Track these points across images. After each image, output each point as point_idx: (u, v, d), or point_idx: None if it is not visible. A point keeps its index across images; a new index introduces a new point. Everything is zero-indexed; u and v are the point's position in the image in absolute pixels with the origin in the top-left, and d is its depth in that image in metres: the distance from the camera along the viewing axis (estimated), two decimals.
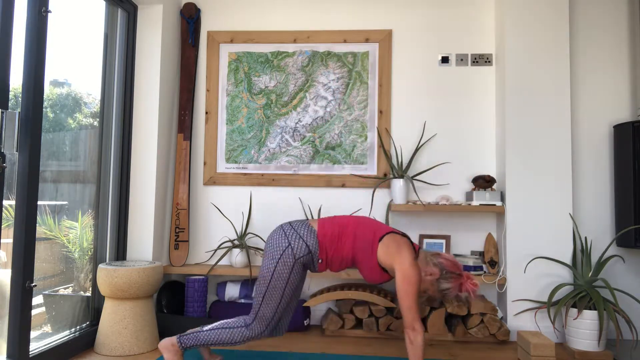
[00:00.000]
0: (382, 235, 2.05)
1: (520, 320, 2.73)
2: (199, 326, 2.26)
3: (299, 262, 2.02)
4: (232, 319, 2.11)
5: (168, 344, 2.07)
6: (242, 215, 3.11)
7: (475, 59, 3.06)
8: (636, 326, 2.80)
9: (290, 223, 2.12)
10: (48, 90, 2.34)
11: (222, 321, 2.11)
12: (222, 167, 3.14)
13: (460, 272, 2.04)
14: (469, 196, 2.91)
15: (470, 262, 2.81)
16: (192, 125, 3.16)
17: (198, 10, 3.17)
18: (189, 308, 2.82)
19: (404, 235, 2.09)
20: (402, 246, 2.01)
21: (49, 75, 2.27)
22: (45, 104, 2.25)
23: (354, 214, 3.02)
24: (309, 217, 3.06)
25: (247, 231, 3.10)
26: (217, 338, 2.05)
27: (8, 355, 1.93)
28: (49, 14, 2.09)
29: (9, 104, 1.90)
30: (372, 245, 2.04)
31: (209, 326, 2.09)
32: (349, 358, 2.35)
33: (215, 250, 3.10)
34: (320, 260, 2.06)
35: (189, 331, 2.11)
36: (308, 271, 2.89)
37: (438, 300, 2.06)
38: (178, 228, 3.02)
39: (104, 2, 2.69)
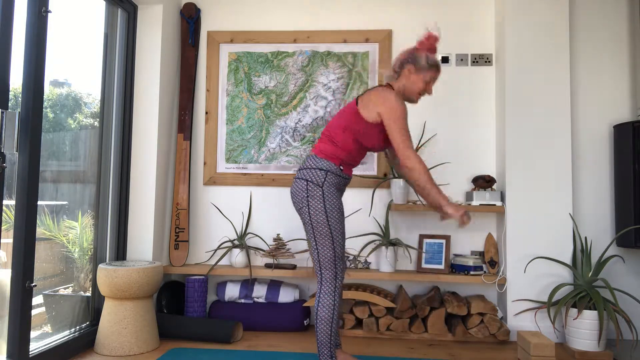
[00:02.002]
0: (355, 100, 2.08)
1: (520, 320, 2.73)
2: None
3: (325, 186, 2.01)
4: (314, 299, 2.05)
5: None
6: (242, 215, 3.11)
7: (475, 59, 3.06)
8: (636, 326, 2.80)
9: (299, 168, 2.13)
10: (48, 90, 2.33)
11: (315, 314, 2.06)
12: (222, 167, 3.14)
13: (415, 46, 2.09)
14: (469, 196, 2.91)
15: (470, 262, 2.81)
16: (192, 125, 3.16)
17: (198, 10, 3.17)
18: (189, 308, 2.82)
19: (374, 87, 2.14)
20: (377, 90, 2.04)
21: (49, 75, 2.27)
22: (45, 104, 2.25)
23: (354, 214, 3.03)
24: None
25: (247, 231, 3.10)
26: (326, 323, 1.99)
27: (8, 355, 1.93)
28: (49, 14, 2.09)
29: (9, 104, 1.90)
30: (353, 112, 2.05)
31: (315, 328, 2.04)
32: None
33: (215, 250, 3.10)
34: (341, 168, 2.07)
35: (318, 349, 2.06)
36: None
37: (433, 79, 2.09)
38: (178, 228, 3.02)
39: (104, 2, 2.69)
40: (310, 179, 2.03)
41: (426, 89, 2.12)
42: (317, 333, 2.01)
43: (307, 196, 2.01)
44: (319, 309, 2.00)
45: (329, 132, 2.11)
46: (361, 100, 2.07)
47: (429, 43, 2.07)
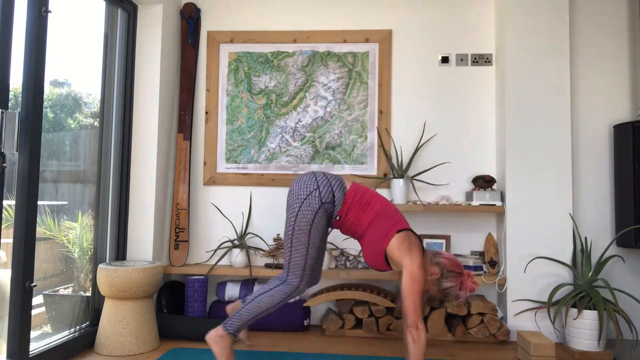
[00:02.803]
0: (401, 229, 2.06)
1: (520, 320, 2.73)
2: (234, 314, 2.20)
3: (323, 207, 2.01)
4: (266, 285, 2.06)
5: (215, 336, 2.01)
6: (242, 215, 3.11)
7: (475, 59, 3.06)
8: (636, 326, 2.80)
9: (323, 172, 2.11)
10: (48, 90, 2.33)
11: (256, 291, 2.06)
12: (222, 167, 3.14)
13: (461, 271, 2.05)
14: (469, 196, 2.91)
15: (470, 262, 2.81)
16: (192, 125, 3.16)
17: (198, 10, 3.17)
18: (189, 308, 2.82)
19: (417, 236, 2.11)
20: (413, 246, 2.02)
21: (49, 75, 2.27)
22: (45, 104, 2.25)
23: None
24: None
25: (247, 231, 3.10)
26: (259, 307, 2.01)
27: (8, 355, 1.93)
28: (49, 14, 2.09)
29: (9, 104, 1.90)
30: (387, 233, 2.04)
31: (247, 300, 2.05)
32: (349, 358, 2.35)
33: (215, 250, 3.10)
34: (338, 217, 2.06)
35: (229, 316, 2.07)
36: None
37: (438, 299, 2.07)
38: (178, 228, 3.02)
39: (104, 2, 2.69)
40: (320, 189, 2.02)
41: (430, 290, 2.09)
42: (244, 309, 2.01)
43: (306, 198, 2.01)
44: (264, 294, 2.00)
45: (368, 202, 2.08)
46: (399, 239, 2.01)
47: (468, 286, 2.03)
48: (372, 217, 2.07)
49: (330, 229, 2.16)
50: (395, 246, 2.02)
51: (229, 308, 2.21)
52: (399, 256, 2.00)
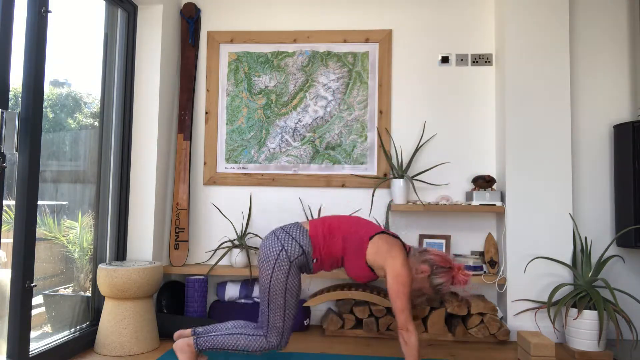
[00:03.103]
0: (372, 235, 2.05)
1: (520, 320, 2.73)
2: (209, 324, 2.22)
3: (294, 264, 2.01)
4: (251, 325, 2.07)
5: (183, 345, 2.04)
6: (242, 215, 3.11)
7: (475, 59, 3.06)
8: (636, 326, 2.80)
9: (282, 227, 2.11)
10: (48, 90, 2.33)
11: (239, 324, 2.08)
12: (222, 167, 3.14)
13: (451, 265, 2.03)
14: (469, 196, 2.91)
15: (470, 262, 2.81)
16: (192, 125, 3.16)
17: (198, 10, 3.17)
18: (189, 308, 2.82)
19: (395, 236, 2.09)
20: (393, 246, 2.01)
21: (49, 75, 2.27)
22: (45, 104, 2.25)
23: (354, 214, 3.03)
24: (309, 217, 3.06)
25: (247, 231, 3.10)
26: (234, 344, 2.02)
27: (8, 355, 1.93)
28: (49, 14, 2.09)
29: (9, 104, 1.90)
30: (361, 244, 2.03)
31: (226, 328, 2.06)
32: (349, 358, 2.35)
33: (215, 250, 3.10)
34: (314, 260, 2.06)
35: (203, 331, 2.08)
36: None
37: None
38: (178, 228, 3.02)
39: (104, 2, 2.69)
40: (286, 247, 2.01)
41: (413, 289, 2.07)
42: (221, 335, 2.02)
43: (275, 262, 2.00)
44: (246, 336, 2.01)
45: (332, 230, 2.08)
46: (374, 243, 2.02)
47: (460, 279, 2.02)
48: (341, 239, 2.06)
49: (312, 273, 2.14)
50: (374, 252, 2.01)
51: (176, 335, 2.19)
52: (379, 260, 2.00)
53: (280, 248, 2.01)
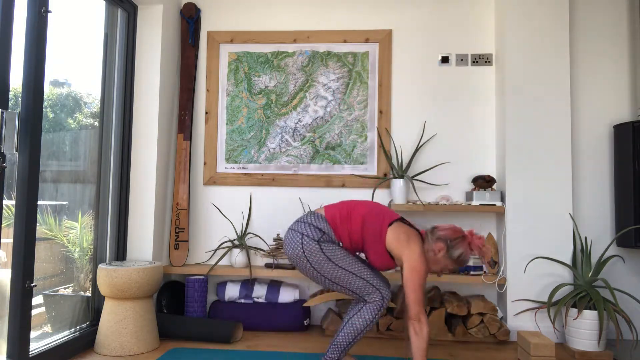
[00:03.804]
0: (391, 221, 2.06)
1: (520, 320, 2.73)
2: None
3: (322, 241, 2.01)
4: (354, 306, 2.05)
5: None
6: (242, 215, 3.11)
7: (475, 59, 3.06)
8: (636, 326, 2.80)
9: (296, 220, 2.13)
10: (48, 90, 2.33)
11: (346, 316, 2.06)
12: (222, 167, 3.14)
13: (463, 234, 2.06)
14: (469, 196, 2.91)
15: (470, 262, 2.81)
16: (192, 125, 3.16)
17: (198, 10, 3.17)
18: (189, 308, 2.82)
19: (410, 224, 2.11)
20: (411, 237, 2.02)
21: (49, 75, 2.27)
22: (45, 104, 2.25)
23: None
24: None
25: (247, 231, 3.10)
26: (353, 332, 2.00)
27: (8, 355, 1.93)
28: (49, 14, 2.09)
29: (9, 104, 1.90)
30: (380, 229, 2.05)
31: (340, 328, 2.05)
32: None
33: (215, 250, 3.10)
34: (340, 243, 2.07)
35: (329, 347, 2.07)
36: None
37: (451, 271, 2.08)
38: (178, 228, 3.02)
39: (104, 2, 2.69)
40: (305, 233, 2.02)
41: (437, 271, 2.10)
42: (339, 335, 2.01)
43: (303, 251, 2.00)
44: (355, 316, 2.00)
45: (349, 212, 2.09)
46: (394, 230, 2.03)
47: (477, 243, 2.04)
48: (360, 222, 2.07)
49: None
50: (392, 240, 2.02)
51: None
52: (397, 250, 2.01)
53: (301, 236, 2.02)
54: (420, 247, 2.01)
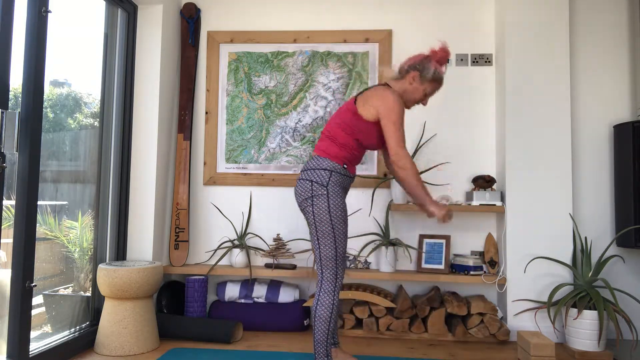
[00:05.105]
0: (354, 100, 2.09)
1: (520, 320, 2.73)
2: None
3: (330, 186, 2.01)
4: (314, 302, 2.05)
5: None
6: (242, 215, 3.11)
7: (475, 59, 3.06)
8: (636, 326, 2.80)
9: (302, 169, 2.13)
10: (48, 90, 2.33)
11: (311, 314, 2.05)
12: (222, 167, 3.14)
13: (427, 54, 2.10)
14: (469, 196, 2.91)
15: (470, 262, 2.81)
16: (192, 125, 3.16)
17: (198, 10, 3.17)
18: (189, 308, 2.82)
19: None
20: (376, 89, 2.05)
21: (49, 75, 2.27)
22: (45, 104, 2.25)
23: (354, 214, 3.03)
24: None
25: (247, 231, 3.10)
26: (323, 322, 2.00)
27: (8, 355, 1.93)
28: (49, 14, 2.09)
29: (9, 104, 1.90)
30: (354, 114, 2.06)
31: (314, 326, 2.05)
32: None
33: (215, 250, 3.10)
34: (345, 166, 2.07)
35: (313, 348, 2.06)
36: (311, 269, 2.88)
37: (433, 92, 2.10)
38: (178, 228, 3.02)
39: (104, 2, 2.69)
40: (314, 180, 2.03)
41: (422, 100, 2.14)
42: (315, 332, 2.01)
43: (312, 196, 2.02)
44: (317, 307, 2.00)
45: (329, 132, 2.11)
46: (360, 99, 2.08)
47: (441, 55, 2.08)
48: (338, 127, 2.08)
49: (354, 176, 2.16)
50: (363, 107, 2.04)
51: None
52: (372, 108, 2.02)
53: (310, 183, 2.03)
54: (388, 90, 2.03)
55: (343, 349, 2.26)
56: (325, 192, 2.01)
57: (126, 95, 2.83)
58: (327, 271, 2.02)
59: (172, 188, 3.09)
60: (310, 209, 2.02)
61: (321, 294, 2.01)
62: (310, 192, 2.02)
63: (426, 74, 2.07)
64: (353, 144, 2.08)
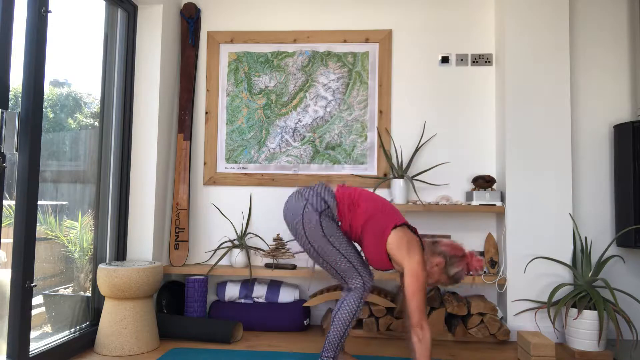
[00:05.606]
0: (396, 225, 2.06)
1: (520, 320, 2.73)
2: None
3: (323, 214, 2.01)
4: (342, 298, 2.06)
5: None
6: (242, 215, 3.11)
7: (475, 59, 3.06)
8: (636, 326, 2.80)
9: (307, 187, 2.12)
10: (48, 90, 2.33)
11: (336, 308, 2.06)
12: (222, 167, 3.14)
13: (464, 253, 2.07)
14: (469, 196, 2.91)
15: None
16: (192, 125, 3.16)
17: (198, 10, 3.17)
18: (189, 308, 2.82)
19: (413, 230, 2.11)
20: (413, 245, 2.02)
21: (49, 75, 2.27)
22: (45, 104, 2.25)
23: None
24: None
25: (247, 231, 3.10)
26: (342, 325, 2.01)
27: (8, 355, 1.93)
28: (49, 14, 2.09)
29: (9, 104, 1.90)
30: (383, 230, 2.04)
31: (330, 324, 2.06)
32: None
33: (215, 250, 3.10)
34: (339, 223, 2.07)
35: (323, 346, 2.07)
36: (310, 270, 2.88)
37: (446, 287, 2.07)
38: (178, 228, 3.02)
39: (104, 2, 2.69)
40: (310, 201, 2.02)
41: (431, 284, 2.11)
42: (330, 332, 2.02)
43: (302, 217, 2.01)
44: (340, 309, 2.01)
45: (358, 200, 2.08)
46: (395, 234, 2.03)
47: (474, 265, 2.06)
48: (364, 216, 2.07)
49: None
50: (394, 245, 2.01)
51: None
52: (399, 256, 2.01)
53: (305, 202, 2.02)
54: (421, 254, 2.01)
55: (345, 351, 2.26)
56: (317, 218, 2.01)
57: (126, 95, 2.83)
58: (352, 281, 2.04)
59: (172, 188, 3.09)
60: (302, 232, 2.01)
61: (348, 298, 2.02)
62: (302, 213, 2.01)
63: (449, 270, 2.05)
64: (357, 230, 2.07)
